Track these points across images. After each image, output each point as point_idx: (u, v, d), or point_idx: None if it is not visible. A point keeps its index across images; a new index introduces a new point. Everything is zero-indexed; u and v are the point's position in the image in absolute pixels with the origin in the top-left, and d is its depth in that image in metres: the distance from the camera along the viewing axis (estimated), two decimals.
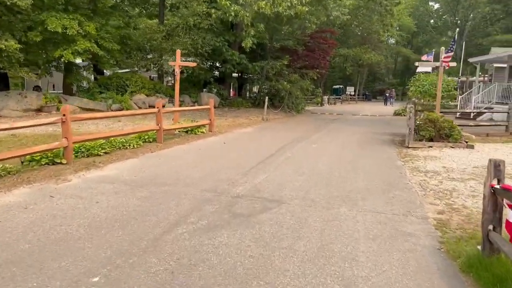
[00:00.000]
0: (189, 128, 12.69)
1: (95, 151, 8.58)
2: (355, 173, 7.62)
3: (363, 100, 58.51)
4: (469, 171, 7.84)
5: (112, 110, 19.03)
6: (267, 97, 19.93)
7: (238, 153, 9.66)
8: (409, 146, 10.82)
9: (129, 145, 9.62)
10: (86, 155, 8.44)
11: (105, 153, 8.78)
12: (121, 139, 9.71)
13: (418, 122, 11.11)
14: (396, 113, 25.68)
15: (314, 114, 26.21)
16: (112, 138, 9.52)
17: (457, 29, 20.27)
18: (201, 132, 12.90)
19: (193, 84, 23.70)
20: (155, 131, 10.70)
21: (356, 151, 10.43)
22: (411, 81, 13.04)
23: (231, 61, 22.12)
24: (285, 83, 23.73)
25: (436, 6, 71.50)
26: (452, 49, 11.19)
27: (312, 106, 33.74)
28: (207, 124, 13.50)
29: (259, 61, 24.18)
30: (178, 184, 6.51)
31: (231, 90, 34.64)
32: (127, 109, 19.23)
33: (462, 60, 37.53)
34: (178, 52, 12.86)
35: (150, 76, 33.92)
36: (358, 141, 12.39)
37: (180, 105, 22.42)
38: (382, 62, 58.33)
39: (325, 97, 39.37)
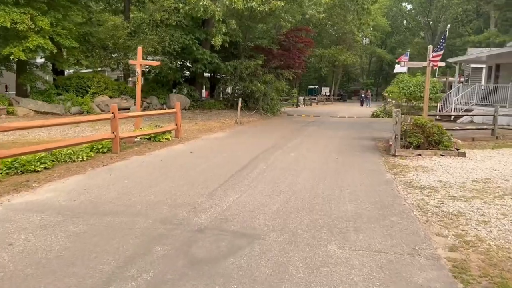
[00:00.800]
0: (152, 135, 11.33)
1: (32, 166, 7.16)
2: (340, 191, 6.50)
3: (338, 101, 58.13)
4: (469, 187, 6.85)
5: (71, 113, 17.48)
6: (240, 99, 18.73)
7: (206, 165, 8.40)
8: (396, 154, 9.82)
9: (77, 158, 8.22)
10: (21, 171, 7.02)
11: (46, 168, 7.37)
12: (68, 150, 8.30)
13: (405, 128, 10.14)
14: (374, 115, 24.98)
15: (290, 116, 25.18)
16: (57, 150, 8.10)
17: (449, 25, 19.56)
18: (166, 139, 11.57)
19: (161, 85, 22.20)
20: (110, 139, 9.31)
21: (339, 160, 9.35)
22: (395, 82, 12.18)
23: (202, 60, 20.79)
24: (259, 84, 22.58)
25: (409, 7, 72.05)
26: (442, 47, 10.29)
27: (288, 107, 32.74)
28: (173, 129, 12.17)
29: (232, 61, 22.94)
30: (127, 212, 5.22)
31: (205, 91, 33.29)
32: (88, 112, 17.69)
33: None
34: (140, 49, 11.49)
35: (118, 76, 32.18)
36: (339, 148, 11.34)
37: (148, 108, 21.02)
38: (357, 63, 58.12)
39: (301, 98, 38.49)
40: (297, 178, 7.37)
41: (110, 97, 19.18)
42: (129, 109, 19.33)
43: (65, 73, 21.92)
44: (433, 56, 10.35)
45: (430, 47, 10.84)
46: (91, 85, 18.67)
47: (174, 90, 23.08)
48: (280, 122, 20.90)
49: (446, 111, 21.05)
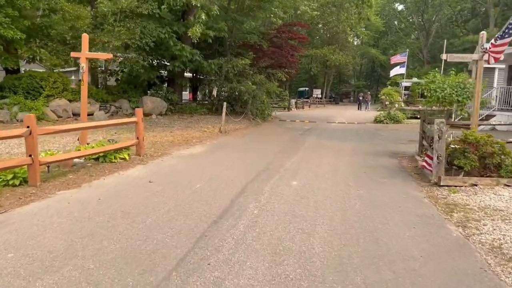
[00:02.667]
0: (101, 154, 8.30)
1: None
2: (395, 276, 3.59)
3: (330, 103, 55.56)
4: None
5: (17, 121, 14.32)
6: (225, 103, 15.74)
7: (164, 210, 5.41)
8: (441, 183, 6.96)
9: None
10: None
11: None
12: None
13: (452, 146, 7.30)
14: (377, 121, 22.20)
15: (282, 121, 22.25)
16: None
17: None
18: (122, 158, 8.55)
19: (133, 86, 19.05)
20: (25, 166, 6.26)
21: (364, 195, 6.43)
22: (424, 83, 9.41)
23: (181, 57, 17.75)
24: (250, 83, 19.64)
25: (401, 7, 69.61)
26: (510, 32, 7.48)
27: (279, 111, 29.79)
28: (132, 145, 9.15)
29: (217, 59, 19.96)
30: None
31: (189, 93, 30.34)
32: (40, 118, 14.54)
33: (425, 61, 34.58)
34: (85, 37, 8.52)
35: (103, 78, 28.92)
36: (356, 171, 8.43)
37: (117, 113, 17.92)
38: (350, 63, 55.68)
39: (293, 101, 35.58)
40: (310, 240, 4.43)
41: (70, 100, 16.04)
42: (92, 114, 16.23)
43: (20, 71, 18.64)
44: (493, 45, 7.57)
45: (483, 33, 8.02)
46: (46, 86, 15.48)
47: (149, 92, 19.97)
48: (272, 129, 17.98)
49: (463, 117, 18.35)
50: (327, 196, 6.29)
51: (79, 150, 8.20)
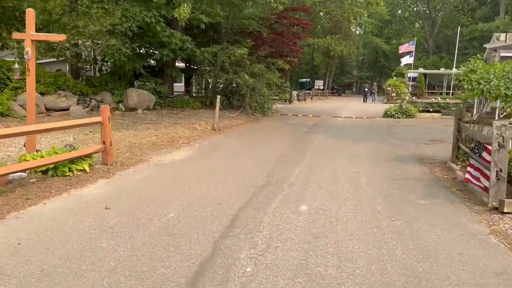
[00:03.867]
0: (51, 165, 6.40)
1: None
2: None
3: (333, 95, 53.56)
4: None
5: None
6: (218, 96, 13.82)
7: (108, 267, 3.55)
8: (505, 210, 5.09)
9: None
10: None
11: None
12: None
13: None
14: (388, 115, 20.27)
15: (284, 116, 20.34)
16: None
17: None
18: (80, 170, 6.66)
19: (118, 77, 17.06)
20: None
21: (401, 229, 4.55)
22: (462, 73, 7.51)
23: (170, 44, 15.77)
24: (247, 76, 17.66)
25: None
26: None
27: (280, 104, 27.78)
28: (96, 151, 7.25)
29: (211, 47, 17.97)
30: None
31: (183, 85, 28.39)
32: (5, 114, 12.65)
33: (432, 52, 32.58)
34: (30, 13, 6.60)
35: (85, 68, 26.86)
36: (380, 186, 6.51)
37: (98, 107, 15.98)
38: (354, 53, 53.52)
39: (294, 93, 33.52)
40: None
41: (42, 93, 14.09)
42: (68, 110, 14.33)
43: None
44: None
45: None
46: (14, 77, 13.59)
47: (136, 84, 17.99)
48: (273, 126, 16.07)
49: (486, 112, 16.43)
50: (351, 233, 4.42)
51: (25, 160, 6.33)
